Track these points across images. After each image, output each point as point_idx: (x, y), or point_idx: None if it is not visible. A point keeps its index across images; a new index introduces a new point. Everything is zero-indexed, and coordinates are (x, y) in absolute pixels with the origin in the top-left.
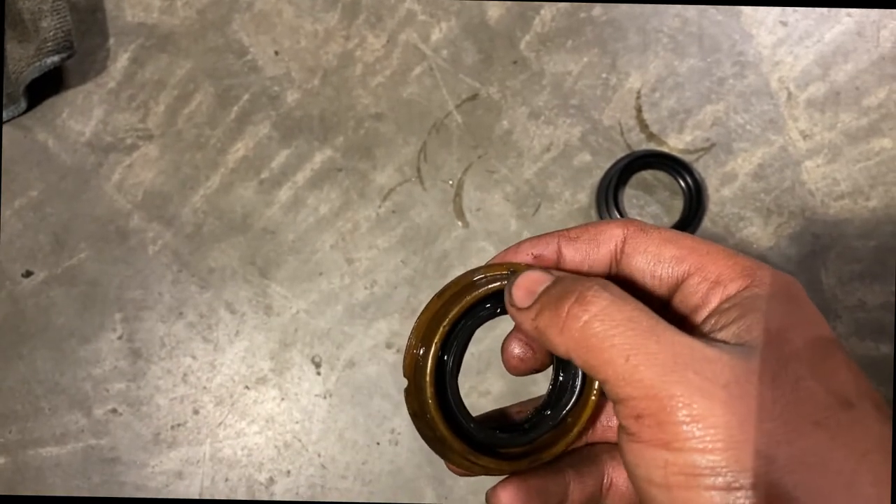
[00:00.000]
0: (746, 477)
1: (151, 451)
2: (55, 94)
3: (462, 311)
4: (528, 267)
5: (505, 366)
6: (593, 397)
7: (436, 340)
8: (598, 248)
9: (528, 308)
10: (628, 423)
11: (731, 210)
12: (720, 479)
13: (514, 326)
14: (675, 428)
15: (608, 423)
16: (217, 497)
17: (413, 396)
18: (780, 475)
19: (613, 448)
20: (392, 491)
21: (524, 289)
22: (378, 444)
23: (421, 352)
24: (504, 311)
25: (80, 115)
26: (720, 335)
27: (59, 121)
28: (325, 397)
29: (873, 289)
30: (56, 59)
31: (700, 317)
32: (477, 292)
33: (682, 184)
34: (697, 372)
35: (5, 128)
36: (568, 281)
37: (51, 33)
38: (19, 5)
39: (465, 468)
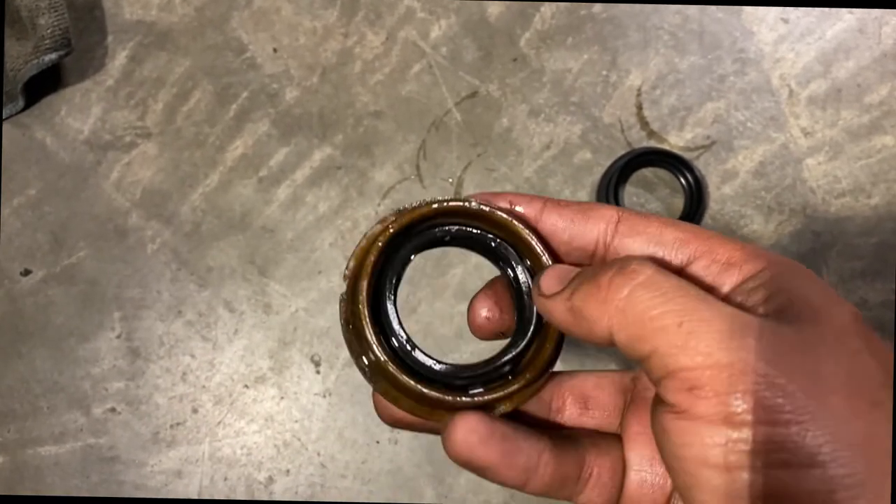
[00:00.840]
0: (813, 453)
1: (150, 450)
2: (53, 91)
3: (411, 220)
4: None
5: (470, 327)
6: (552, 337)
7: (380, 243)
8: (586, 222)
9: (561, 291)
10: (678, 397)
11: (731, 208)
12: (785, 456)
13: (481, 290)
14: (739, 400)
15: (584, 408)
16: (216, 496)
17: (348, 303)
18: (845, 454)
19: (594, 435)
20: (391, 490)
21: (554, 276)
22: (378, 442)
23: (369, 258)
24: (454, 242)
25: (79, 112)
26: (760, 310)
27: (57, 119)
28: (324, 396)
29: (875, 286)
30: (54, 56)
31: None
32: (429, 208)
33: (683, 181)
34: (758, 339)
35: (4, 126)
36: (601, 264)
37: (48, 31)
38: (17, 3)
39: (394, 402)
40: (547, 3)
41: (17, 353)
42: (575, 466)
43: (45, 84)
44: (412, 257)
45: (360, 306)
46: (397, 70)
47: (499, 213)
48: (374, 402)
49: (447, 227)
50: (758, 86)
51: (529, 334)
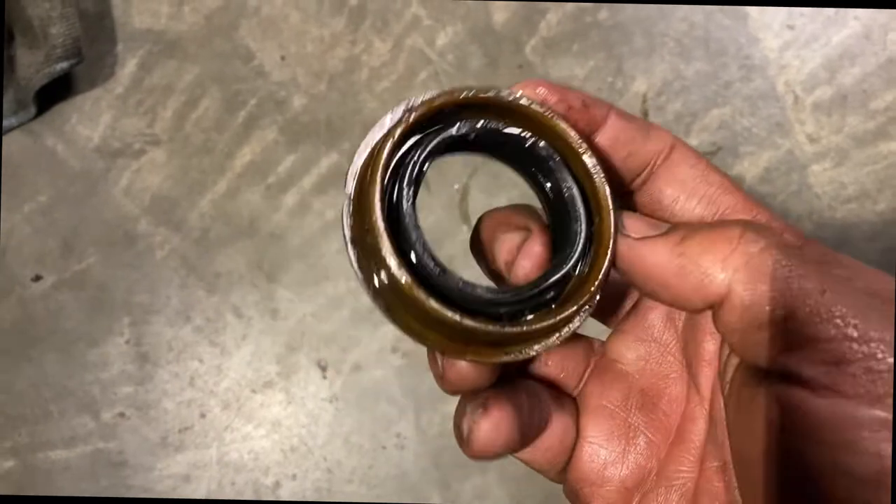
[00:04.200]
0: None
1: (159, 454)
2: (64, 99)
3: (433, 112)
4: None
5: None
6: (612, 229)
7: (394, 137)
8: (646, 141)
9: (665, 234)
10: (818, 371)
11: None
12: None
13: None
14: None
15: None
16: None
17: (355, 212)
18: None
19: (553, 392)
20: (398, 495)
21: (641, 221)
22: (384, 448)
23: (381, 155)
24: (477, 145)
25: (89, 120)
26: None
27: (67, 126)
28: (331, 401)
29: None
30: (65, 65)
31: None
32: (455, 97)
33: None
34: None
35: (15, 133)
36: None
37: (60, 40)
38: (29, 13)
39: (419, 338)
40: (552, 11)
41: (28, 358)
42: (541, 425)
43: (56, 92)
44: (426, 165)
45: (373, 214)
46: (404, 77)
47: (541, 111)
48: (432, 363)
49: (473, 123)
50: (763, 92)
51: (577, 254)
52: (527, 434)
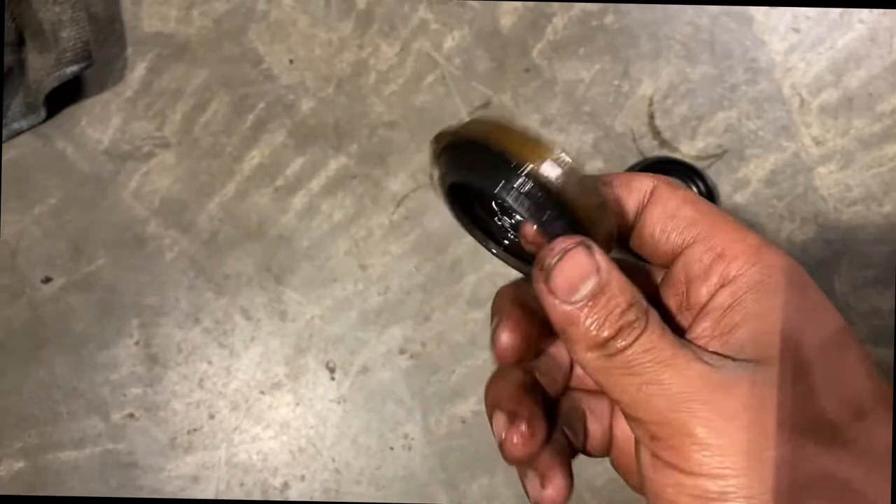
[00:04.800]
0: (755, 502)
1: (168, 455)
2: (74, 103)
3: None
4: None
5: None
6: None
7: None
8: (630, 195)
9: (567, 306)
10: (645, 441)
11: (743, 216)
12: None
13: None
14: (687, 454)
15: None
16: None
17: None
18: (793, 500)
19: (589, 396)
20: (405, 495)
21: (565, 281)
22: (392, 449)
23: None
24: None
25: (99, 123)
26: (730, 342)
27: (77, 129)
28: (339, 402)
29: (886, 295)
30: (75, 68)
31: (700, 296)
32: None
33: (695, 190)
34: (706, 402)
35: (25, 136)
36: (616, 290)
37: (70, 44)
38: (40, 16)
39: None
40: (558, 15)
41: (38, 359)
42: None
43: (66, 95)
44: None
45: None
46: (411, 81)
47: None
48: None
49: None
50: (769, 95)
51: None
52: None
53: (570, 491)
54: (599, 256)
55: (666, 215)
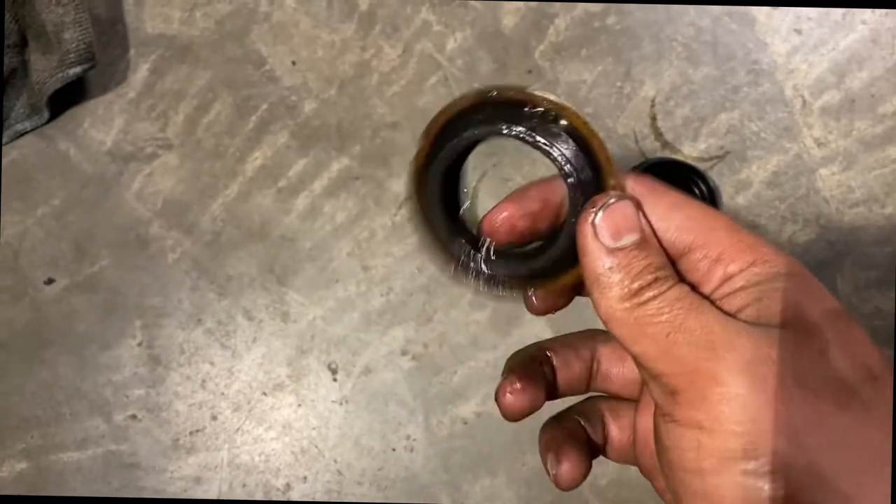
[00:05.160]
0: (778, 461)
1: (170, 456)
2: (77, 104)
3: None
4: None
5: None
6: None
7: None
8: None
9: (608, 250)
10: (664, 400)
11: (745, 218)
12: (752, 464)
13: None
14: (709, 407)
15: (609, 370)
16: None
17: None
18: (812, 458)
19: (609, 400)
20: (408, 496)
21: (613, 225)
22: (394, 450)
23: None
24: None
25: (102, 124)
26: (740, 317)
27: (80, 130)
28: (341, 403)
29: (889, 296)
30: (78, 70)
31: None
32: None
33: (697, 191)
34: (730, 350)
35: (29, 137)
36: (653, 249)
37: (73, 45)
38: (43, 18)
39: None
40: (561, 16)
41: (41, 360)
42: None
43: (69, 97)
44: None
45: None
46: (414, 82)
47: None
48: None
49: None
50: (771, 96)
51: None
52: (596, 452)
53: (586, 470)
54: (643, 218)
55: (655, 224)
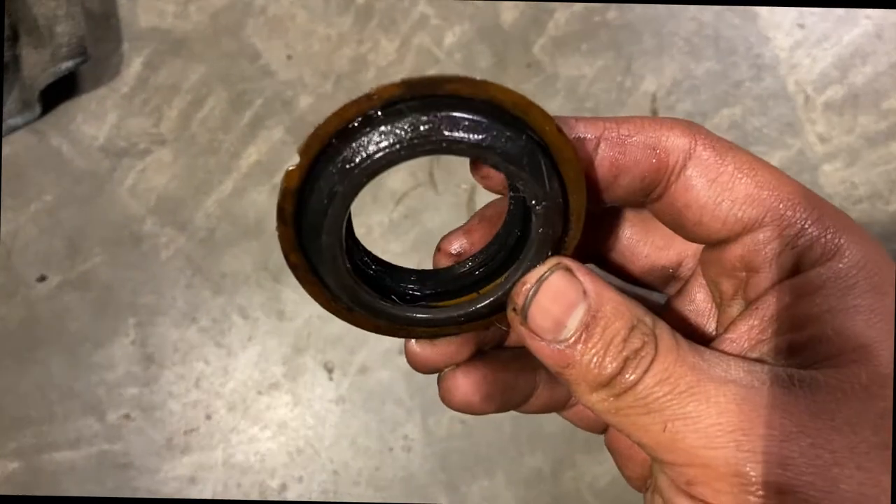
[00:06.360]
0: None
1: (164, 456)
2: (69, 99)
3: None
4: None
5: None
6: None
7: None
8: (654, 157)
9: (556, 351)
10: (679, 484)
11: None
12: None
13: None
14: (742, 498)
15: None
16: None
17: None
18: None
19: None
20: (405, 497)
21: (549, 318)
22: (391, 450)
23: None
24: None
25: (94, 119)
26: (792, 344)
27: (73, 126)
28: (337, 403)
29: None
30: (70, 64)
31: (759, 287)
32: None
33: None
34: (747, 434)
35: (20, 133)
36: (611, 315)
37: (65, 39)
38: (34, 12)
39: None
40: (560, 10)
41: (33, 359)
42: (565, 392)
43: (61, 91)
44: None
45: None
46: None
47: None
48: (407, 350)
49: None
50: (774, 91)
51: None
52: (509, 390)
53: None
54: (583, 276)
55: (717, 195)
